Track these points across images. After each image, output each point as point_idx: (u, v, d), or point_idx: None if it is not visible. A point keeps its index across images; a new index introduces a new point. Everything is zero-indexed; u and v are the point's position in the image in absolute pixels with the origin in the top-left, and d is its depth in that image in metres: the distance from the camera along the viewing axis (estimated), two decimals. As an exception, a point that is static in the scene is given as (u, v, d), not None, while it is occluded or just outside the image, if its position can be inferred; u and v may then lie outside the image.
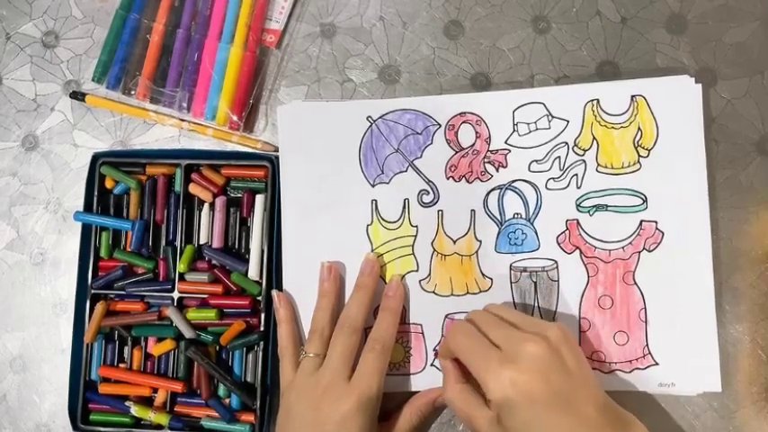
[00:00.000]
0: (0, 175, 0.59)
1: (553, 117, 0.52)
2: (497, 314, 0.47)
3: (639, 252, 0.51)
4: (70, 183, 0.58)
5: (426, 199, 0.53)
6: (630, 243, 0.51)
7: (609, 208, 0.52)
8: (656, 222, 0.51)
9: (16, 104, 0.59)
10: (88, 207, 0.56)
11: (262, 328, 0.53)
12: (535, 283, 0.52)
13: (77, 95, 0.58)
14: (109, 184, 0.56)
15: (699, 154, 0.51)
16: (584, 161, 0.52)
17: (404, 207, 0.53)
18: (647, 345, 0.51)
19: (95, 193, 0.56)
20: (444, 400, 0.49)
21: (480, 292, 0.52)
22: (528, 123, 0.52)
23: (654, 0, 0.55)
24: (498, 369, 0.43)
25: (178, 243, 0.55)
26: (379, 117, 0.54)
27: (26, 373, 0.57)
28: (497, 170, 0.53)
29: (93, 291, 0.55)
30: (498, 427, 0.44)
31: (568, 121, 0.52)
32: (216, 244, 0.55)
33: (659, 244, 0.51)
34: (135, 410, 0.54)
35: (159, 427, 0.54)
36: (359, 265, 0.53)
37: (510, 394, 0.42)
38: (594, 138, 0.52)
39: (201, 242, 0.55)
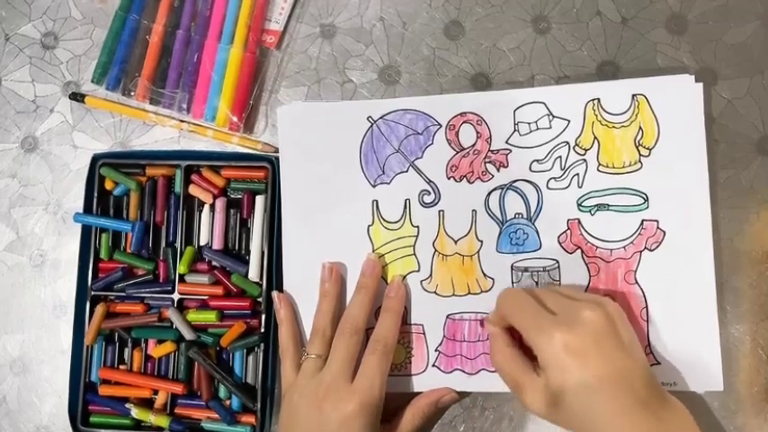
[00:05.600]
0: (-1, 176, 0.59)
1: (554, 117, 0.52)
2: (554, 289, 0.47)
3: (641, 251, 0.51)
4: (70, 184, 0.58)
5: (427, 199, 0.53)
6: (632, 242, 0.51)
7: (610, 207, 0.51)
8: (657, 222, 0.51)
9: (15, 106, 0.59)
10: (88, 208, 0.56)
11: (262, 330, 0.53)
12: (537, 282, 0.51)
13: (77, 97, 0.58)
14: (109, 185, 0.56)
15: (700, 153, 0.51)
16: (585, 161, 0.52)
17: (405, 207, 0.53)
18: (648, 344, 0.50)
19: (95, 194, 0.56)
20: (493, 365, 0.48)
21: (482, 292, 0.52)
22: (529, 123, 0.52)
23: (654, 0, 0.55)
24: (552, 330, 0.42)
25: (178, 244, 0.55)
26: (380, 117, 0.54)
27: (26, 375, 0.57)
28: (498, 170, 0.53)
29: (93, 292, 0.55)
30: (546, 394, 0.43)
31: (569, 121, 0.52)
32: (216, 245, 0.55)
33: (660, 243, 0.51)
34: (135, 412, 0.54)
35: (159, 428, 0.53)
36: (360, 265, 0.53)
37: (562, 357, 0.41)
38: (595, 137, 0.52)
39: (202, 243, 0.55)
